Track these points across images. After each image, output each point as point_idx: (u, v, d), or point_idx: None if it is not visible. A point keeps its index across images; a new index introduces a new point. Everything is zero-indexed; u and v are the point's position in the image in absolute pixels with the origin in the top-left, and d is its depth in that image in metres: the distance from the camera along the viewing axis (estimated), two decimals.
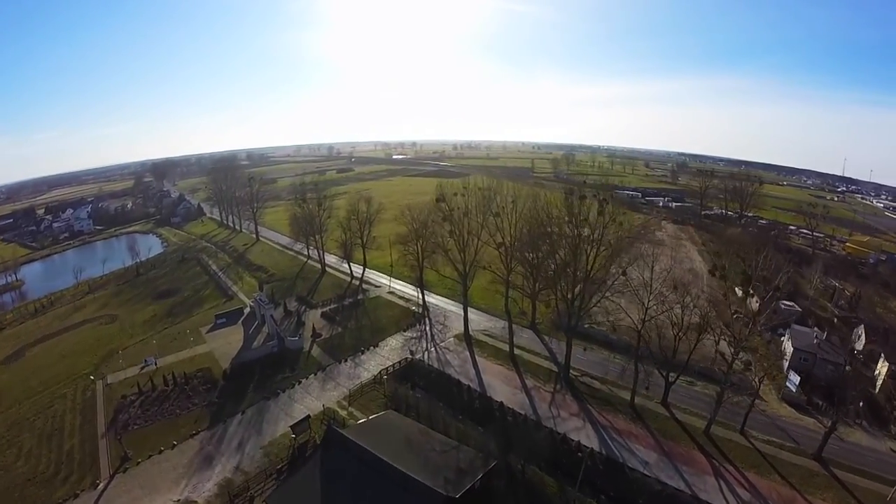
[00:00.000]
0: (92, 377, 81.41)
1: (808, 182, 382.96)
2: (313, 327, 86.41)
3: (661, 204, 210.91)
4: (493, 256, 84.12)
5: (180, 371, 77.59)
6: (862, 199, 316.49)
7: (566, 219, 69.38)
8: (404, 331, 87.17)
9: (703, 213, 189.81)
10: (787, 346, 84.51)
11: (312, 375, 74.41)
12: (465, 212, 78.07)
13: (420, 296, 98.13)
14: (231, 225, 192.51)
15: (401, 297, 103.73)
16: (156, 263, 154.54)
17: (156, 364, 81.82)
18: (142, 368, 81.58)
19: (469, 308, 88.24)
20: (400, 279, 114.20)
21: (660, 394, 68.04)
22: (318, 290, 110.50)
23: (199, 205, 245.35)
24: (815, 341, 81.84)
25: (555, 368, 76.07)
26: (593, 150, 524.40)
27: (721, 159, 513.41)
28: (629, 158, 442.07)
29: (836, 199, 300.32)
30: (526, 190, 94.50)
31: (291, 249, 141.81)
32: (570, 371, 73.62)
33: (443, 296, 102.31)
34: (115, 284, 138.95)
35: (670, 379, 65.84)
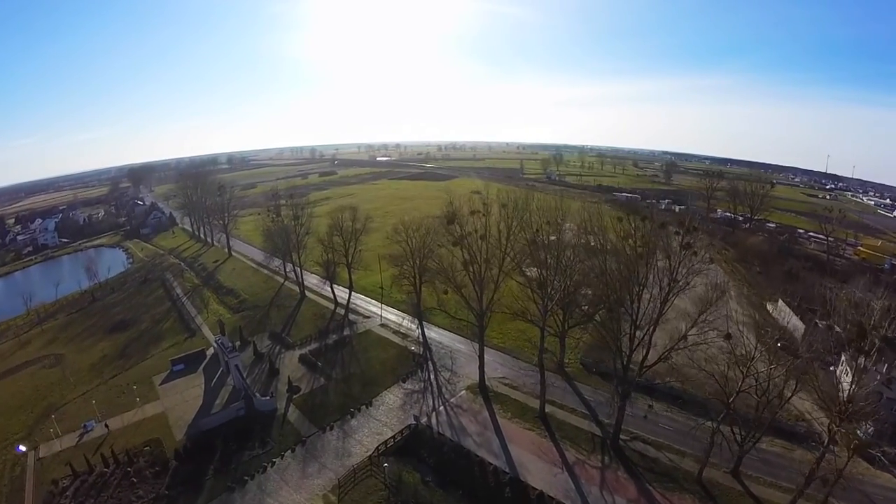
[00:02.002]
0: (23, 447, 62.79)
1: (796, 180, 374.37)
2: (289, 381, 67.80)
3: (662, 207, 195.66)
4: (514, 288, 66.35)
5: (125, 443, 60.07)
6: (852, 196, 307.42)
7: (635, 249, 51.96)
8: (403, 381, 68.89)
9: (710, 217, 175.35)
10: (848, 384, 69.05)
11: (290, 452, 56.17)
12: (482, 234, 59.13)
13: (419, 331, 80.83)
14: (203, 237, 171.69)
15: (395, 332, 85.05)
16: (115, 285, 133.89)
17: (107, 426, 64.69)
18: (80, 436, 63.76)
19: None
20: (393, 306, 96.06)
21: (726, 459, 52.26)
22: (297, 323, 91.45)
23: (171, 214, 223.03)
24: (878, 377, 67.09)
25: (597, 430, 59.47)
26: (581, 151, 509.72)
27: (706, 157, 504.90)
28: (619, 158, 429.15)
29: (827, 197, 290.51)
30: (574, 206, 76.42)
31: (266, 267, 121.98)
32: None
33: (446, 328, 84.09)
34: (66, 313, 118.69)
35: (747, 443, 50.34)
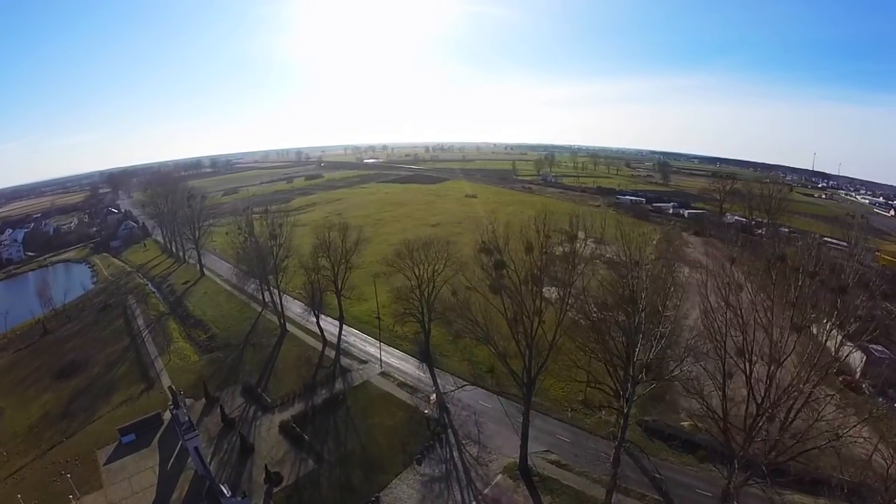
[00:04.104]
0: None
1: (787, 178, 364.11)
2: (266, 469, 49.52)
3: (670, 211, 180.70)
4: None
5: None
6: (846, 195, 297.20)
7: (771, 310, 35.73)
8: (418, 462, 50.95)
9: (725, 222, 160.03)
10: None
11: None
12: (535, 276, 40.79)
13: (431, 382, 63.11)
14: (175, 251, 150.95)
15: (401, 383, 66.25)
16: (72, 313, 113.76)
17: None
18: None
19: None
20: (393, 345, 77.29)
21: None
22: (276, 371, 72.05)
23: (143, 224, 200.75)
24: None
25: None
26: (572, 151, 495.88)
27: (694, 156, 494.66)
28: (611, 158, 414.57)
29: (823, 196, 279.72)
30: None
31: (242, 291, 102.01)
32: None
33: (463, 377, 65.70)
34: (14, 349, 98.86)
35: None
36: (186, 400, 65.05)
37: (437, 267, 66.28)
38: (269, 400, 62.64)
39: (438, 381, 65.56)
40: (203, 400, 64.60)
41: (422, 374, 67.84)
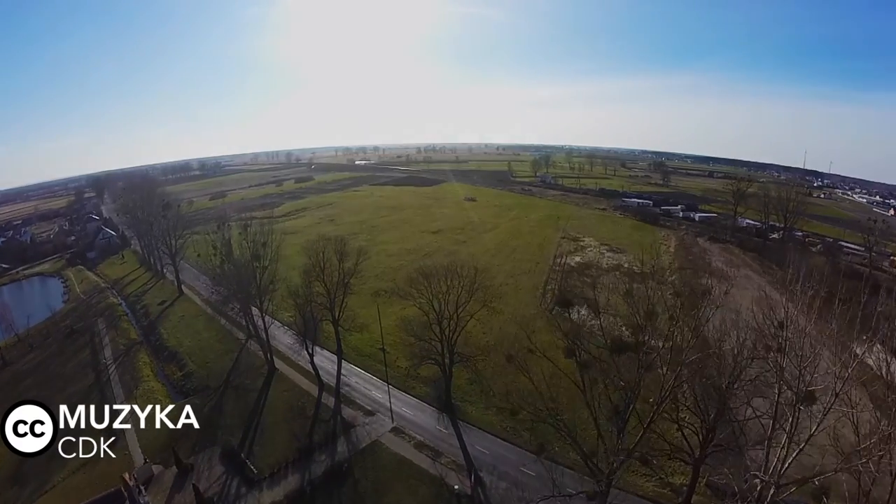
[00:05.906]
0: None
1: (782, 178, 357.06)
2: None
3: (680, 214, 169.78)
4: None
5: None
6: (843, 194, 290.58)
7: None
8: None
9: (738, 226, 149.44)
10: None
11: None
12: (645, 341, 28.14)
13: (457, 442, 50.47)
14: (153, 264, 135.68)
15: (419, 444, 52.09)
16: (36, 339, 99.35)
17: None
18: None
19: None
20: (403, 388, 63.14)
21: None
22: (263, 428, 57.65)
23: (123, 233, 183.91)
24: None
25: None
26: (566, 151, 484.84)
27: (687, 156, 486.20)
28: (608, 159, 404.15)
29: (822, 196, 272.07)
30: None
31: (223, 315, 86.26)
32: None
33: (491, 431, 53.12)
34: None
35: None
36: (154, 467, 52.25)
37: (460, 298, 53.49)
38: (254, 471, 48.98)
39: (465, 437, 52.61)
40: (174, 468, 51.39)
41: (443, 428, 54.50)
